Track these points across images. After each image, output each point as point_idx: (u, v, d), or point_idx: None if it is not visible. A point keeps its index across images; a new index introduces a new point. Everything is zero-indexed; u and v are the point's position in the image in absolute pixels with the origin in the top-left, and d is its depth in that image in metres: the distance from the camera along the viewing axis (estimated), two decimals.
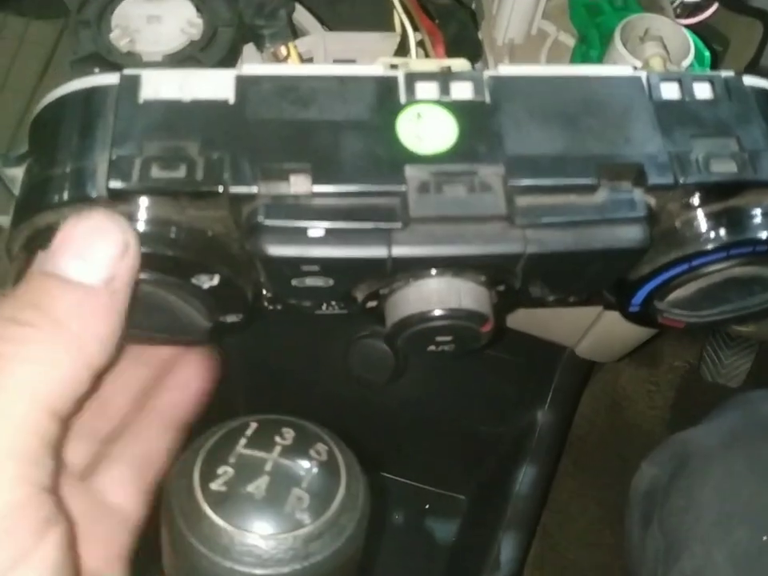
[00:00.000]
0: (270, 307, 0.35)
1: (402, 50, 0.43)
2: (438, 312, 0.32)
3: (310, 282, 0.31)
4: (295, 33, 0.42)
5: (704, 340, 1.27)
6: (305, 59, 0.45)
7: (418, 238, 0.29)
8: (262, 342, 0.74)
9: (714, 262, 0.32)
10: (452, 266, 0.31)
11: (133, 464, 0.33)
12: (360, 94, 0.31)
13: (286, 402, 0.84)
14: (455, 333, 0.33)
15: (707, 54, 0.43)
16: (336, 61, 0.45)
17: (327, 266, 0.30)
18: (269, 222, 0.28)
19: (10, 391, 0.23)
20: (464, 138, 0.30)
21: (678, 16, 0.50)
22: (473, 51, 0.44)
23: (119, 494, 0.32)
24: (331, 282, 0.31)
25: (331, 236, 0.29)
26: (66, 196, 0.28)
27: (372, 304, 0.34)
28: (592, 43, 0.44)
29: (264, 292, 0.33)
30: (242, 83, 0.30)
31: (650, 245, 0.31)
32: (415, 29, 0.42)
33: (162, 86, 0.30)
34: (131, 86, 0.30)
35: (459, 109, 0.30)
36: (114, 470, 0.32)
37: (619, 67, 0.33)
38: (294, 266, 0.30)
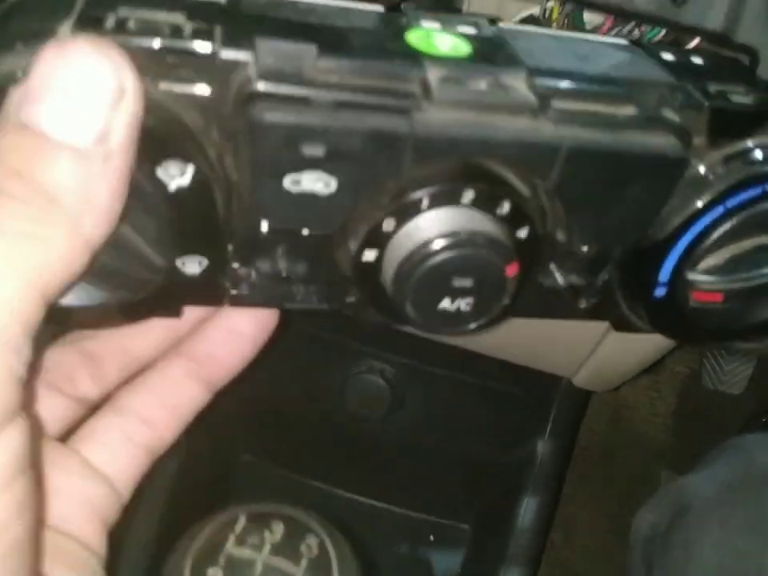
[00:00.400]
0: (234, 291, 0.29)
1: None
2: (452, 238, 0.27)
3: (307, 181, 0.26)
4: None
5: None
6: None
7: (443, 118, 0.25)
8: (260, 378, 0.74)
9: (751, 201, 0.30)
10: (479, 153, 0.27)
11: (134, 428, 0.31)
12: (364, 17, 0.28)
13: (286, 438, 0.84)
14: (475, 272, 0.28)
15: None
16: None
17: (334, 145, 0.25)
18: (266, 88, 0.24)
19: None
20: (479, 52, 0.27)
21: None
22: None
23: (109, 462, 0.30)
24: (333, 185, 0.26)
25: (342, 107, 0.25)
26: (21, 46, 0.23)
27: (370, 255, 0.28)
28: None
29: (230, 247, 0.28)
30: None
31: (687, 157, 0.29)
32: None
33: None
34: None
35: (468, 36, 0.28)
36: (111, 432, 0.31)
37: (614, 39, 0.33)
38: (294, 141, 0.25)
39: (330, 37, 0.26)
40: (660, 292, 0.32)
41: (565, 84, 0.27)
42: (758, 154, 0.30)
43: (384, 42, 0.26)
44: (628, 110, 0.27)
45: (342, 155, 0.25)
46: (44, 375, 0.31)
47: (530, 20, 0.52)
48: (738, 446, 0.50)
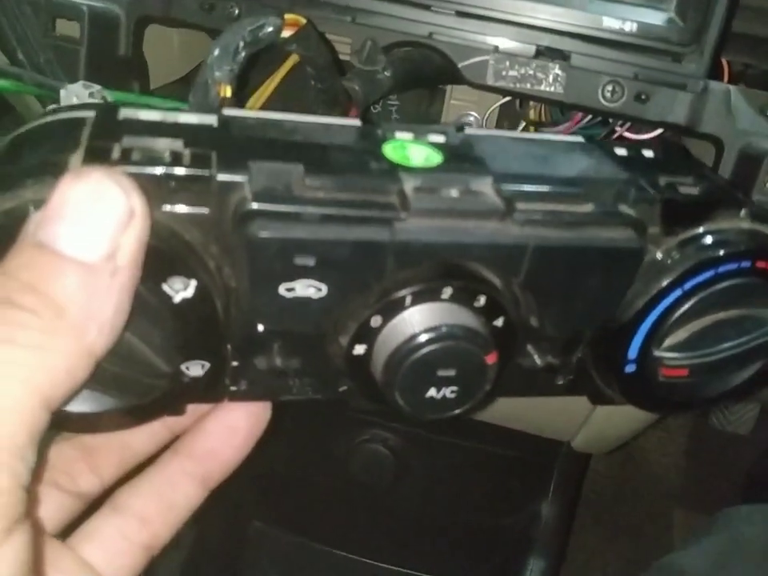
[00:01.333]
0: (233, 387, 0.31)
1: None
2: (435, 332, 0.29)
3: (300, 288, 0.28)
4: None
5: None
6: None
7: (420, 227, 0.28)
8: (268, 449, 0.75)
9: (705, 283, 0.33)
10: (454, 255, 0.29)
11: (131, 527, 0.31)
12: (343, 133, 0.30)
13: (295, 505, 0.85)
14: (458, 363, 0.30)
15: None
16: None
17: (323, 256, 0.27)
18: (260, 207, 0.26)
19: (2, 377, 0.21)
20: (449, 160, 0.30)
21: (629, 131, 0.52)
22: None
23: (107, 562, 0.30)
24: (324, 289, 0.28)
25: (329, 220, 0.27)
26: (31, 181, 0.25)
27: (360, 349, 0.30)
28: None
29: (229, 347, 0.30)
30: (225, 118, 0.29)
31: (644, 251, 0.31)
32: None
33: (141, 113, 0.29)
34: (109, 111, 0.28)
35: (440, 144, 0.30)
36: (109, 531, 0.31)
37: (572, 137, 0.34)
38: (287, 254, 0.27)
39: (315, 155, 0.28)
40: (630, 368, 0.34)
41: (527, 187, 0.29)
42: (708, 240, 0.32)
43: (363, 157, 0.29)
44: (586, 208, 0.30)
45: (330, 263, 0.27)
46: (44, 472, 0.31)
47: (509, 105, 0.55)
48: (727, 520, 0.51)
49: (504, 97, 0.52)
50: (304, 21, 0.42)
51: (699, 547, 0.50)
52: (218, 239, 0.27)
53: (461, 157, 0.30)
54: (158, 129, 0.28)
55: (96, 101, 0.40)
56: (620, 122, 0.52)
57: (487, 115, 0.55)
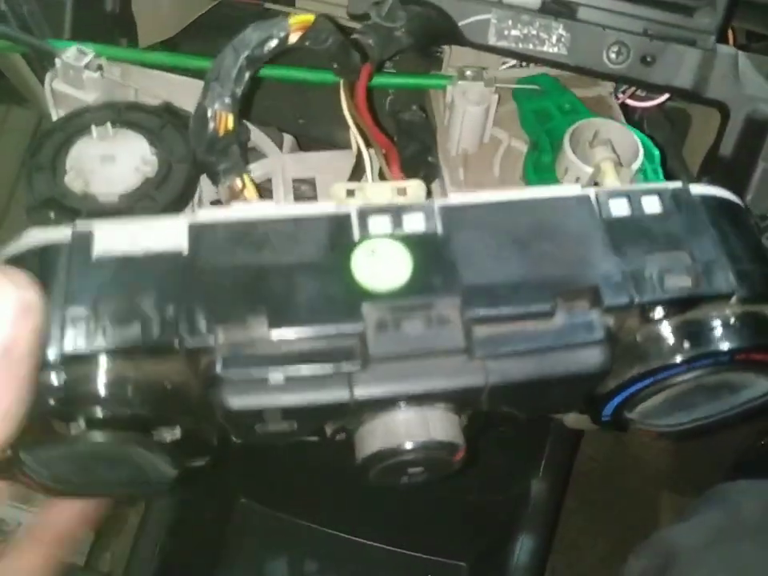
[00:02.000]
0: (238, 440, 0.34)
1: (360, 166, 0.43)
2: (407, 446, 0.31)
3: (274, 426, 0.31)
4: (247, 161, 0.42)
5: None
6: (264, 180, 0.45)
7: (380, 377, 0.29)
8: None
9: (678, 374, 0.32)
10: (417, 399, 0.31)
11: None
12: (313, 234, 0.30)
13: (281, 479, 0.84)
14: (427, 464, 0.33)
15: (656, 152, 0.44)
16: (295, 180, 0.45)
17: (290, 413, 0.30)
18: (227, 374, 0.28)
19: None
20: (419, 271, 0.30)
21: (632, 98, 0.50)
22: (431, 167, 0.44)
23: None
24: (295, 425, 0.31)
25: (292, 383, 0.29)
26: None
27: (341, 436, 0.33)
28: (543, 149, 0.44)
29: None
30: (195, 231, 0.30)
31: (611, 366, 0.30)
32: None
33: (114, 240, 0.29)
34: (83, 243, 0.29)
35: (413, 242, 0.30)
36: None
37: (567, 187, 0.33)
38: (256, 415, 0.29)
39: (281, 294, 0.29)
40: (605, 419, 0.36)
41: (493, 311, 0.29)
42: (686, 334, 0.31)
43: (329, 284, 0.29)
44: (555, 323, 0.30)
45: (297, 415, 0.30)
46: None
47: None
48: (725, 494, 0.50)
49: (504, 62, 0.51)
50: (312, 18, 0.39)
51: (693, 522, 0.49)
52: (194, 395, 0.29)
53: (431, 264, 0.30)
54: (129, 273, 0.29)
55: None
56: (623, 88, 0.50)
57: None
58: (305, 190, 0.47)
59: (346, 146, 0.46)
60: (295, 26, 0.39)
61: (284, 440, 0.33)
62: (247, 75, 0.38)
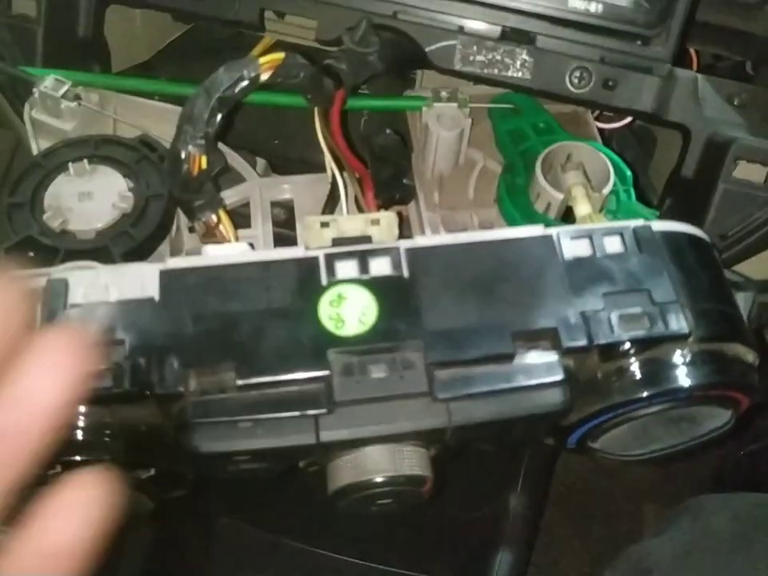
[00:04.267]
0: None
1: (335, 191, 0.44)
2: (376, 480, 0.32)
3: (245, 465, 0.32)
4: (219, 189, 0.43)
5: None
6: (242, 204, 0.46)
7: (345, 420, 0.30)
8: None
9: (639, 408, 0.33)
10: (374, 442, 0.32)
11: None
12: (282, 279, 0.31)
13: (261, 498, 0.84)
14: (395, 496, 0.34)
15: (629, 173, 0.45)
16: (273, 203, 0.46)
17: (259, 455, 0.31)
18: (198, 420, 0.29)
19: None
20: (384, 316, 0.31)
21: (601, 120, 0.52)
22: (406, 189, 0.45)
23: None
24: (265, 464, 0.32)
25: (259, 427, 0.30)
26: None
27: (314, 469, 0.34)
28: (517, 171, 0.45)
29: None
30: (167, 278, 0.31)
31: (572, 405, 0.32)
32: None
33: (88, 288, 0.30)
34: (58, 292, 0.30)
35: (378, 286, 0.31)
36: None
37: (530, 228, 0.34)
38: (227, 457, 0.30)
39: (249, 344, 0.30)
40: (571, 446, 0.38)
41: (456, 355, 0.30)
42: (645, 373, 0.32)
43: (297, 331, 0.30)
44: (516, 365, 0.31)
45: (266, 456, 0.31)
46: None
47: None
48: (696, 509, 0.51)
49: (474, 84, 0.52)
50: (282, 57, 0.40)
51: (667, 535, 0.50)
52: (166, 435, 0.30)
53: (396, 309, 0.31)
54: (102, 324, 0.29)
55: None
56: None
57: None
58: (279, 213, 0.48)
59: (322, 166, 0.47)
60: (266, 65, 0.40)
61: (257, 474, 0.34)
62: (219, 116, 0.39)
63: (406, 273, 0.32)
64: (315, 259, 0.32)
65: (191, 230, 0.44)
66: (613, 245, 0.33)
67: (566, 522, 1.20)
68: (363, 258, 0.32)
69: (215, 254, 0.33)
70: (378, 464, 0.32)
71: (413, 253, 0.32)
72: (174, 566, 0.84)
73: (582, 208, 0.41)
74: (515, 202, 0.44)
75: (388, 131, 0.46)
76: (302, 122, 0.51)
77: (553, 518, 1.12)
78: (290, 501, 0.81)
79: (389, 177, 0.45)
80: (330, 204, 0.43)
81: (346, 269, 0.32)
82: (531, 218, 0.43)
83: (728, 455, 1.19)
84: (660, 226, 0.34)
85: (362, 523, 0.80)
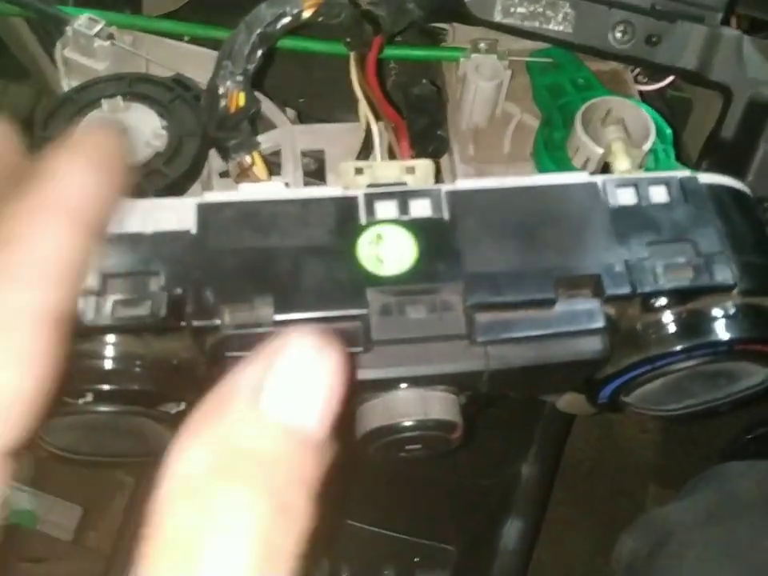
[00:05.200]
0: None
1: (369, 140, 0.43)
2: (405, 423, 0.32)
3: None
4: (257, 132, 0.42)
5: None
6: (273, 152, 0.45)
7: (382, 359, 0.30)
8: None
9: (676, 362, 0.33)
10: (417, 381, 0.32)
11: None
12: (320, 217, 0.31)
13: None
14: (425, 442, 0.34)
15: (669, 131, 0.44)
16: (304, 152, 0.45)
17: None
18: (232, 354, 0.29)
19: None
20: (424, 258, 0.30)
21: (638, 82, 0.51)
22: (441, 142, 0.45)
23: None
24: None
25: None
26: None
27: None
28: (555, 125, 0.45)
29: None
30: (204, 212, 0.30)
31: (610, 354, 0.31)
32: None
33: (125, 218, 0.30)
34: None
35: (418, 227, 0.31)
36: None
37: (575, 174, 0.33)
38: None
39: (286, 276, 0.29)
40: (602, 401, 0.37)
41: (496, 298, 0.30)
42: (686, 324, 0.32)
43: (335, 268, 0.30)
44: (556, 311, 0.30)
45: None
46: None
47: None
48: (721, 474, 0.51)
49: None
50: None
51: (689, 500, 0.50)
52: (199, 372, 0.30)
53: (436, 250, 0.30)
54: (138, 252, 0.29)
55: None
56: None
57: None
58: (309, 162, 0.47)
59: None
60: (309, 2, 0.39)
61: None
62: (259, 53, 0.38)
63: (446, 215, 0.31)
64: (354, 199, 0.31)
65: (222, 175, 0.43)
66: (658, 194, 0.32)
67: (570, 499, 1.20)
68: (403, 199, 0.31)
69: (251, 190, 0.32)
70: (408, 407, 0.32)
71: (454, 195, 0.32)
72: None
73: (621, 163, 0.40)
74: (552, 157, 0.44)
75: (424, 81, 0.46)
76: (329, 80, 0.50)
77: (556, 495, 1.12)
78: None
79: (424, 127, 0.44)
80: (364, 152, 0.43)
81: (386, 209, 0.31)
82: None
83: (735, 438, 1.18)
84: (705, 178, 0.33)
85: (370, 488, 0.80)
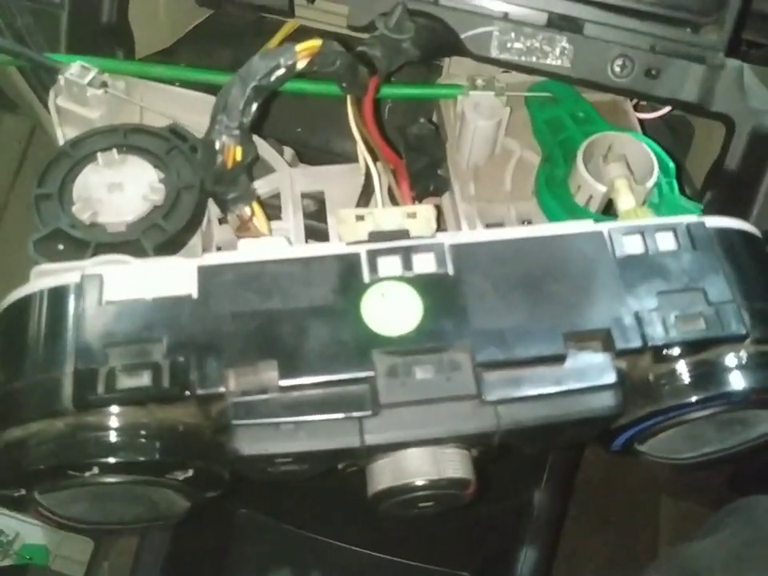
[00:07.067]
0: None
1: (369, 183, 0.43)
2: (418, 483, 0.31)
3: (285, 468, 0.31)
4: (252, 179, 0.42)
5: None
6: (273, 195, 0.45)
7: (390, 423, 0.29)
8: None
9: (690, 411, 0.32)
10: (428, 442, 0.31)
11: None
12: (323, 276, 0.30)
13: (281, 490, 0.83)
14: (437, 499, 0.33)
15: (672, 165, 0.44)
16: (303, 194, 0.45)
17: (301, 457, 0.30)
18: (239, 421, 0.28)
19: None
20: (429, 316, 0.30)
21: (638, 110, 0.50)
22: (441, 180, 0.44)
23: None
24: (306, 466, 0.31)
25: (302, 429, 0.29)
26: (33, 411, 0.28)
27: (353, 469, 0.33)
28: (556, 162, 0.44)
29: None
30: (205, 275, 0.30)
31: (624, 409, 0.30)
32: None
33: (123, 284, 0.29)
34: (93, 288, 0.29)
35: (423, 284, 0.30)
36: None
37: (579, 223, 0.33)
38: (268, 459, 0.30)
39: (291, 340, 0.29)
40: (615, 449, 0.36)
41: (505, 355, 0.29)
42: (698, 375, 0.31)
43: (340, 329, 0.29)
44: (566, 367, 0.30)
45: (308, 458, 0.30)
46: None
47: None
48: (747, 509, 0.49)
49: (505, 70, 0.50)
50: (319, 44, 0.39)
51: (716, 538, 0.48)
52: (203, 435, 0.29)
53: (442, 308, 0.30)
54: (139, 319, 0.29)
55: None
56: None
57: None
58: (309, 204, 0.46)
59: (345, 154, 0.45)
60: (303, 52, 0.39)
61: (296, 477, 0.33)
62: (255, 105, 0.37)
63: (450, 270, 0.31)
64: (357, 255, 0.31)
65: (221, 221, 0.43)
66: (666, 242, 0.32)
67: (582, 513, 1.19)
68: (407, 255, 0.31)
69: (252, 249, 0.32)
70: (420, 467, 0.31)
71: (457, 249, 0.31)
72: (194, 556, 0.84)
73: (625, 201, 0.39)
74: (555, 194, 0.43)
75: (422, 120, 0.45)
76: (324, 109, 0.50)
77: (570, 511, 1.11)
78: (310, 493, 0.81)
79: (423, 167, 0.44)
80: (365, 196, 0.42)
81: (389, 265, 0.31)
82: (571, 210, 0.42)
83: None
84: (713, 221, 0.33)
85: (386, 519, 0.78)
